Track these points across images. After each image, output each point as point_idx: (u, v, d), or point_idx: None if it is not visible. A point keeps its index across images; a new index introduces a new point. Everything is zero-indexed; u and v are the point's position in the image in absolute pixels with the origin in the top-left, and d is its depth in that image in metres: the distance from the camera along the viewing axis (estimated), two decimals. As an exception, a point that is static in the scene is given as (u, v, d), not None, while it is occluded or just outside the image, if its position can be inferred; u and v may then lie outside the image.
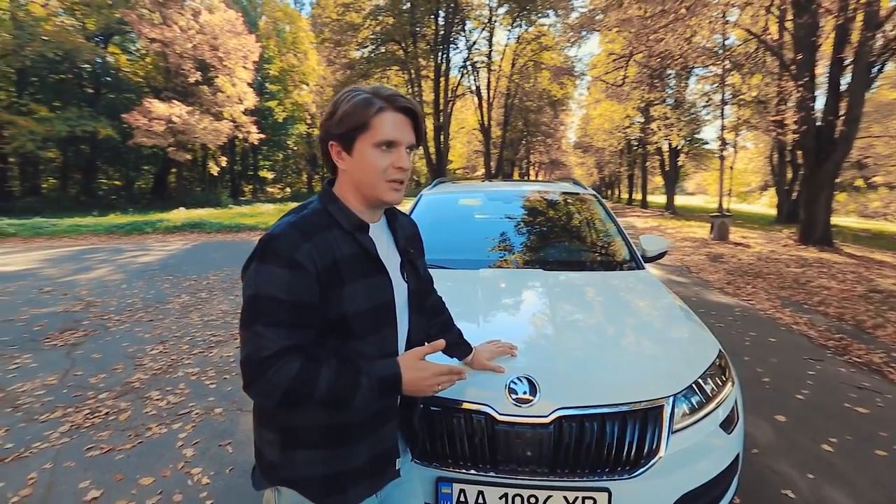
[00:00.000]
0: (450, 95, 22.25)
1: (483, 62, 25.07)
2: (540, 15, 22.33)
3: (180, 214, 15.48)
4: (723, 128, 13.64)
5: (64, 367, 3.56)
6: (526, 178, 44.13)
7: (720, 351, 1.62)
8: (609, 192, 52.84)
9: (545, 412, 1.28)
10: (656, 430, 1.30)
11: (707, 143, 26.14)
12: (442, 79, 21.08)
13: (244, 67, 24.35)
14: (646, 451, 1.28)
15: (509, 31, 25.05)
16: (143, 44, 22.57)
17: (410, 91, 21.23)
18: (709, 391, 1.46)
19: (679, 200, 45.62)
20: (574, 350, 1.49)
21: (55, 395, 3.10)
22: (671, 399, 1.35)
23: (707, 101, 17.93)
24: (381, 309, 0.95)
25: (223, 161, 29.75)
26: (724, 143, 13.77)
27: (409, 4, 19.24)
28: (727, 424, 1.45)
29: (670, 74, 18.76)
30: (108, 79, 25.27)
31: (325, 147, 0.94)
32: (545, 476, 1.25)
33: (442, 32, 20.68)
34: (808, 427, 2.71)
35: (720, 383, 1.52)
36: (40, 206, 20.17)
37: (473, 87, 25.45)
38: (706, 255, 9.73)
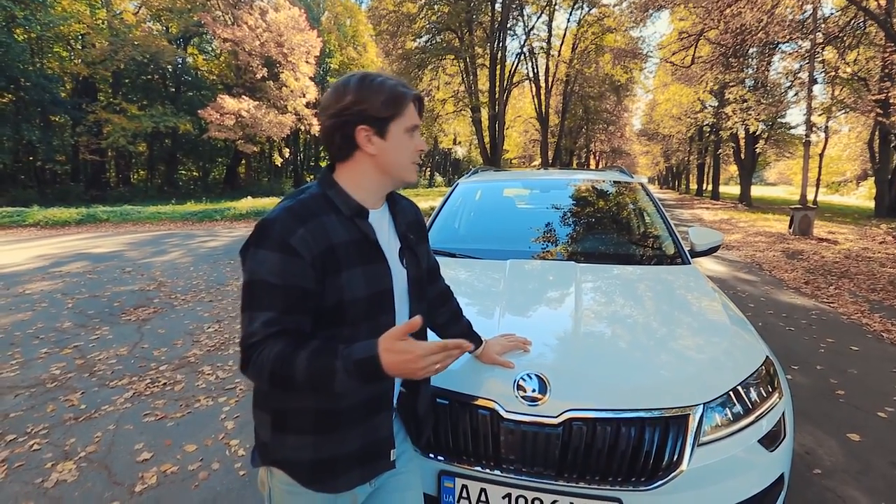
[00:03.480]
0: (506, 84, 21.77)
1: (542, 48, 24.23)
2: (603, -5, 21.16)
3: (246, 203, 16.56)
4: (809, 110, 12.22)
5: (134, 340, 3.93)
6: (586, 167, 42.43)
7: (767, 358, 1.44)
8: (676, 183, 49.52)
9: (554, 412, 1.20)
10: (679, 441, 1.17)
11: (793, 127, 23.56)
12: (498, 67, 20.66)
13: (307, 62, 25.37)
14: (665, 462, 1.16)
15: (570, 13, 23.98)
16: (218, 44, 24.22)
17: (465, 80, 21.06)
18: (749, 402, 1.30)
19: (757, 191, 41.72)
20: (593, 348, 1.39)
21: (124, 364, 3.43)
22: (700, 408, 1.21)
23: (793, 81, 16.08)
24: (378, 296, 0.93)
25: (286, 152, 31.36)
26: (810, 126, 12.34)
27: (465, -9, 19.01)
28: (770, 441, 1.29)
29: (750, 52, 17.04)
30: (188, 78, 27.39)
31: (348, 131, 0.91)
32: (551, 479, 1.18)
33: (499, 19, 20.22)
34: (888, 450, 2.37)
35: (764, 395, 1.34)
36: (130, 194, 22.48)
37: (531, 75, 24.70)
38: (782, 252, 8.83)
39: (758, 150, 23.57)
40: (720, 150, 27.64)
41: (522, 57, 23.96)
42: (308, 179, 40.08)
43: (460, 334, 1.29)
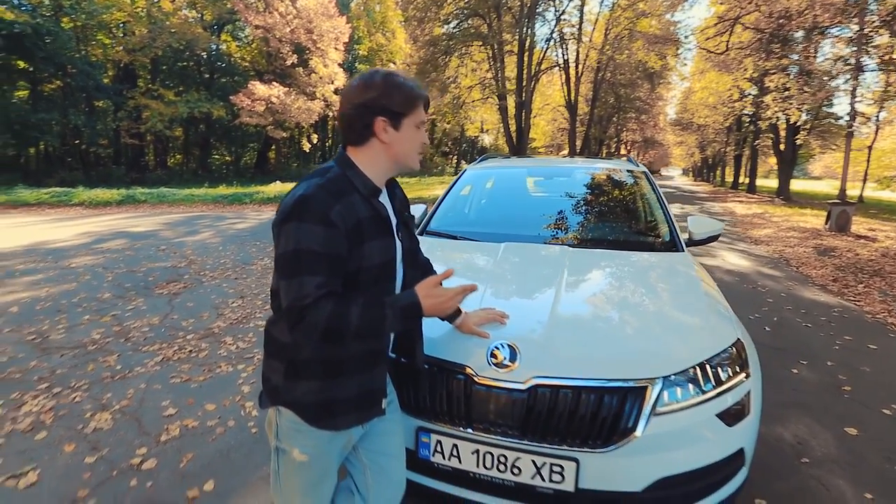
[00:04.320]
0: (534, 71, 21.41)
1: (572, 34, 23.61)
2: (638, -23, 20.36)
3: (275, 188, 17.06)
4: (853, 98, 11.57)
5: (165, 311, 4.24)
6: (616, 157, 41.34)
7: (738, 340, 1.49)
8: (711, 175, 47.68)
9: (522, 379, 1.31)
10: (635, 410, 1.26)
11: (840, 118, 22.21)
12: (526, 53, 20.31)
13: (335, 49, 25.59)
14: (621, 428, 1.25)
15: (603, -3, 23.22)
16: (250, 30, 24.71)
17: (493, 67, 20.83)
18: (713, 379, 1.37)
19: (800, 185, 39.63)
20: (566, 323, 1.48)
21: (155, 332, 3.72)
22: (659, 381, 1.30)
23: (841, 68, 15.15)
24: (388, 264, 1.09)
25: (315, 138, 31.89)
26: (853, 116, 11.68)
27: (494, -24, 18.69)
28: (731, 417, 1.36)
29: (794, 37, 16.11)
30: (221, 64, 28.12)
31: (367, 120, 1.04)
32: (516, 439, 1.29)
33: (528, 4, 19.82)
34: (886, 445, 2.36)
35: (731, 374, 1.41)
36: (167, 177, 23.45)
37: (560, 62, 24.15)
38: (814, 248, 8.51)
39: (799, 142, 22.41)
40: (758, 142, 26.42)
41: (552, 43, 23.42)
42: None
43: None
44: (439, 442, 1.37)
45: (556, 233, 2.34)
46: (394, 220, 1.14)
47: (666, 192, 29.51)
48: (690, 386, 1.34)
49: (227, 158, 32.77)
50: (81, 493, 1.91)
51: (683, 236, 2.35)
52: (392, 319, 0.99)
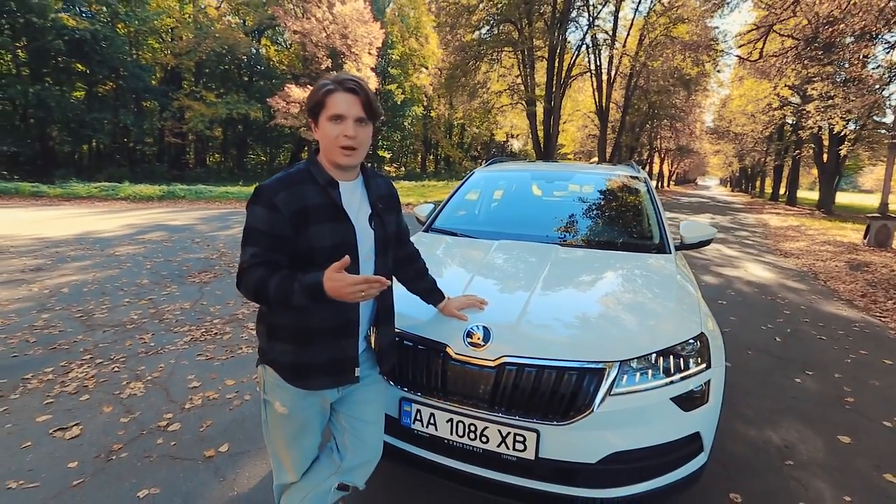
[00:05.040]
0: (564, 77, 21.32)
1: (605, 40, 23.37)
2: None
3: (305, 187, 17.64)
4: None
5: (196, 298, 4.58)
6: (648, 165, 40.44)
7: (702, 334, 1.60)
8: (750, 186, 45.89)
9: (492, 357, 1.46)
10: (592, 388, 1.39)
11: (891, 128, 21.02)
12: (556, 59, 20.27)
13: (369, 53, 26.23)
14: (578, 405, 1.39)
15: (638, 2, 22.92)
16: (289, 35, 25.66)
17: (522, 73, 20.88)
18: (672, 366, 1.49)
19: (846, 198, 37.49)
20: (538, 310, 1.62)
21: (186, 316, 4.05)
22: (617, 364, 1.42)
23: (886, 76, 14.44)
24: (342, 247, 1.22)
25: (346, 141, 32.64)
26: (897, 126, 11.16)
27: (526, -18, 18.77)
28: (687, 402, 1.47)
29: (839, 43, 15.43)
30: (260, 67, 29.32)
31: (310, 124, 1.26)
32: (485, 410, 1.45)
33: (560, 9, 19.79)
34: (878, 454, 2.37)
35: (691, 364, 1.52)
36: (205, 175, 24.61)
37: (592, 68, 23.94)
38: (846, 263, 8.20)
39: (843, 153, 21.38)
40: (799, 152, 25.34)
41: (585, 49, 23.26)
42: (367, 166, 41.42)
43: (424, 290, 1.60)
44: (419, 411, 1.54)
45: (549, 232, 2.48)
46: (367, 210, 1.29)
47: (699, 202, 28.71)
48: (650, 371, 1.46)
49: (262, 158, 34.03)
50: (116, 446, 2.18)
51: (676, 240, 2.44)
52: (298, 293, 1.08)
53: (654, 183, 44.40)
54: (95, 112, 20.94)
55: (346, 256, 1.08)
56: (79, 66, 20.84)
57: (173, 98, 23.33)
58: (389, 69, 36.21)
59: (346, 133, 1.17)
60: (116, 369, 2.98)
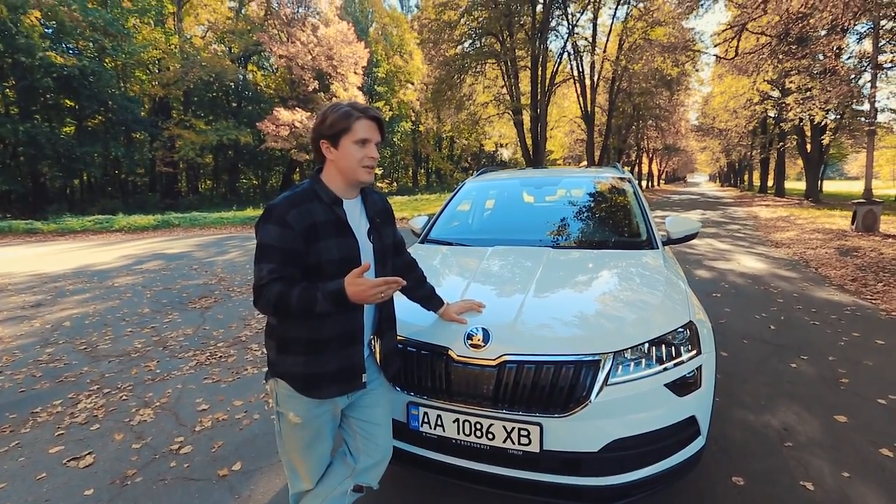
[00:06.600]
0: (548, 85, 21.70)
1: (586, 46, 23.87)
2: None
3: (299, 208, 17.74)
4: (873, 97, 11.37)
5: (198, 323, 4.62)
6: (637, 166, 40.94)
7: (690, 322, 1.67)
8: (738, 180, 46.51)
9: (493, 356, 1.53)
10: (589, 380, 1.47)
11: (868, 117, 21.47)
12: (539, 68, 20.66)
13: (355, 73, 26.65)
14: (577, 396, 1.46)
15: (615, 9, 23.46)
16: (274, 60, 26.03)
17: (507, 83, 21.24)
18: (664, 354, 1.57)
19: (833, 186, 38.06)
20: (534, 309, 1.70)
21: (189, 341, 4.08)
22: (611, 355, 1.50)
23: (857, 66, 14.82)
24: (348, 260, 1.31)
25: (337, 160, 32.91)
26: (874, 114, 11.46)
27: (504, -5, 19.21)
28: (680, 388, 1.54)
29: (813, 37, 15.86)
30: (248, 93, 29.64)
31: (317, 144, 1.34)
32: (489, 408, 1.51)
33: (540, 20, 20.23)
34: (873, 431, 2.44)
35: (682, 351, 1.60)
36: (198, 202, 24.70)
37: (575, 74, 24.40)
38: (836, 249, 8.35)
39: (825, 142, 21.80)
40: (783, 144, 25.80)
41: (566, 56, 23.71)
42: (357, 185, 41.63)
43: (424, 297, 1.67)
44: (426, 413, 1.60)
45: (541, 236, 2.56)
46: (366, 225, 1.39)
47: (690, 199, 29.02)
48: (643, 360, 1.54)
49: (254, 182, 34.18)
50: (130, 472, 2.21)
51: (662, 235, 2.54)
52: (322, 301, 1.18)
53: (644, 182, 45.08)
54: (86, 146, 21.05)
55: (367, 262, 1.19)
56: (68, 101, 21.04)
57: (163, 128, 23.52)
58: (376, 87, 36.71)
59: (370, 154, 1.32)
60: (124, 397, 3.01)
